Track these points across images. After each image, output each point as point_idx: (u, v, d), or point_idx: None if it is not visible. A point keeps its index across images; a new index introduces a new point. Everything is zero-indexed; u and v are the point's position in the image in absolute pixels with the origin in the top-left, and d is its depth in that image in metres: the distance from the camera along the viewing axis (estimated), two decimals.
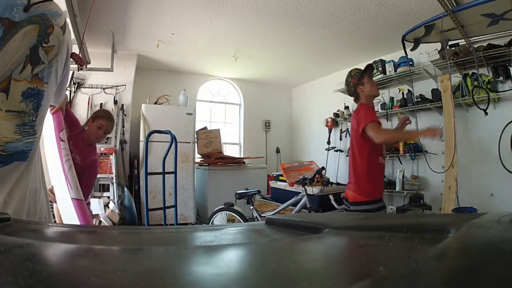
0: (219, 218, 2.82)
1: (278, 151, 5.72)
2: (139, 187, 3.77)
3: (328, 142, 4.62)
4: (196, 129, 4.35)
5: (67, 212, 1.51)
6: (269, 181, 4.18)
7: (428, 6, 2.32)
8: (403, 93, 3.69)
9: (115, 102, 3.93)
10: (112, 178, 3.52)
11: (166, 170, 2.52)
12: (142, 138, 3.85)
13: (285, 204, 2.78)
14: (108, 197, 3.51)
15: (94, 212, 3.39)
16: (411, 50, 2.66)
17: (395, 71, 3.62)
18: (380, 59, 3.78)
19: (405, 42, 2.58)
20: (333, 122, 4.62)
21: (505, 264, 0.18)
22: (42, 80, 0.74)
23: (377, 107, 3.92)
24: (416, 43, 2.57)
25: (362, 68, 1.91)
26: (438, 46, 2.80)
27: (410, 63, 3.49)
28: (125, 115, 3.99)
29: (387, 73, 3.71)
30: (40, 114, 0.77)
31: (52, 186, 1.62)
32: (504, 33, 2.58)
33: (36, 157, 0.82)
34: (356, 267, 0.21)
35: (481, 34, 2.40)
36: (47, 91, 0.77)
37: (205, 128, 4.67)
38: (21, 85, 0.69)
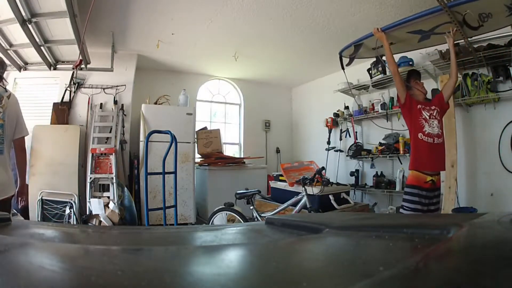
0: (219, 218, 2.81)
1: (278, 151, 5.72)
2: (139, 187, 3.77)
3: (328, 142, 4.62)
4: (196, 129, 4.35)
5: None
6: (269, 181, 4.18)
7: (427, 5, 2.33)
8: None
9: (115, 102, 3.93)
10: (112, 178, 3.52)
11: (166, 170, 2.52)
12: (142, 138, 3.85)
13: (285, 204, 2.78)
14: (108, 197, 3.51)
15: (94, 212, 3.39)
16: (347, 65, 2.89)
17: None
18: None
19: (342, 58, 2.83)
20: (333, 122, 4.62)
21: (505, 264, 0.18)
22: (3, 118, 1.68)
23: (377, 107, 3.92)
24: (351, 59, 2.84)
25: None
26: (438, 46, 2.80)
27: (410, 63, 3.49)
28: (125, 115, 3.99)
29: (387, 73, 3.71)
30: (5, 133, 1.69)
31: None
32: (504, 33, 2.58)
33: (6, 152, 1.73)
34: (356, 267, 0.21)
35: (413, 49, 2.69)
36: (5, 124, 1.70)
37: (205, 128, 4.67)
38: None
